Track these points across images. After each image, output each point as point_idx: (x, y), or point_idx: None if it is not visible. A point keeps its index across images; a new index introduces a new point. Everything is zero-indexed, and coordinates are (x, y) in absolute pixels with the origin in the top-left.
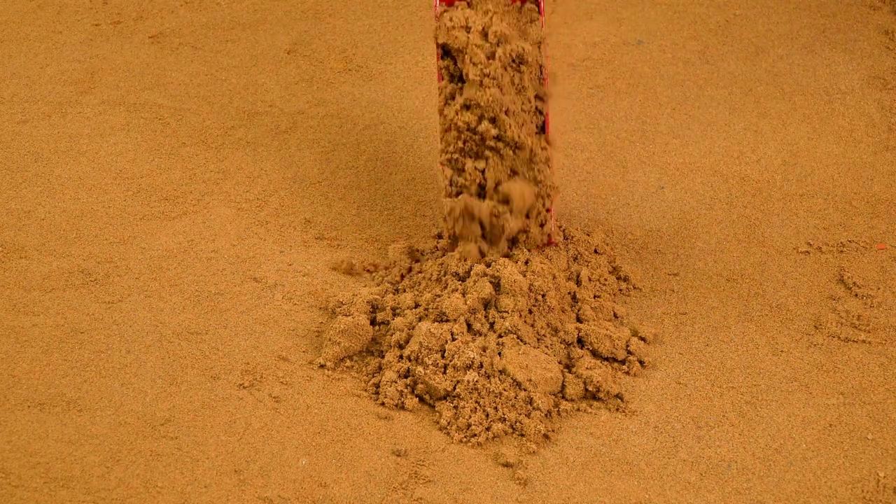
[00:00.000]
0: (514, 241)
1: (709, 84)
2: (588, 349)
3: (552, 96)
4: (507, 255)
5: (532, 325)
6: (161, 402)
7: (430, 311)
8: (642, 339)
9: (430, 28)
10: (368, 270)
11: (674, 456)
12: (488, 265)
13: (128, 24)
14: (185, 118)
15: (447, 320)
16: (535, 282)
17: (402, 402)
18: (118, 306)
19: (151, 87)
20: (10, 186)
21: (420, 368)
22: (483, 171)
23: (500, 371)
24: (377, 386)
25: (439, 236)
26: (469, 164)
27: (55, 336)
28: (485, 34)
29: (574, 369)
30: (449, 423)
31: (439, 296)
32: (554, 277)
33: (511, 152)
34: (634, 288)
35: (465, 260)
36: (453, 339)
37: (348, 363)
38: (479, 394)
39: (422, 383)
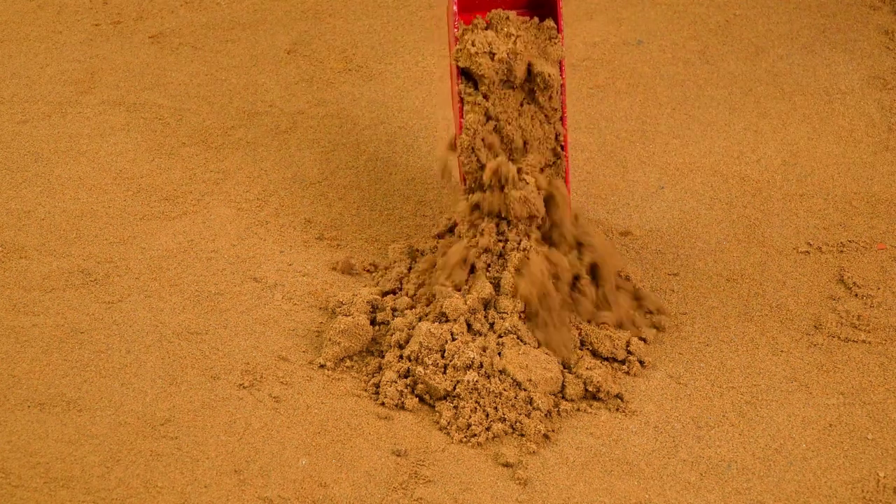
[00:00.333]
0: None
1: (709, 84)
2: (588, 349)
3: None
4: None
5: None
6: (161, 402)
7: (424, 296)
8: (642, 339)
9: (441, 35)
10: (368, 270)
11: (674, 456)
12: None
13: (128, 24)
14: (185, 118)
15: (447, 320)
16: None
17: (402, 402)
18: (118, 306)
19: (151, 87)
20: (10, 186)
21: (420, 368)
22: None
23: (500, 371)
24: (377, 386)
25: (439, 236)
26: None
27: (55, 336)
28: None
29: (574, 369)
30: (449, 423)
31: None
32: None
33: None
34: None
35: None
36: (453, 339)
37: (348, 363)
38: (479, 394)
39: (422, 383)
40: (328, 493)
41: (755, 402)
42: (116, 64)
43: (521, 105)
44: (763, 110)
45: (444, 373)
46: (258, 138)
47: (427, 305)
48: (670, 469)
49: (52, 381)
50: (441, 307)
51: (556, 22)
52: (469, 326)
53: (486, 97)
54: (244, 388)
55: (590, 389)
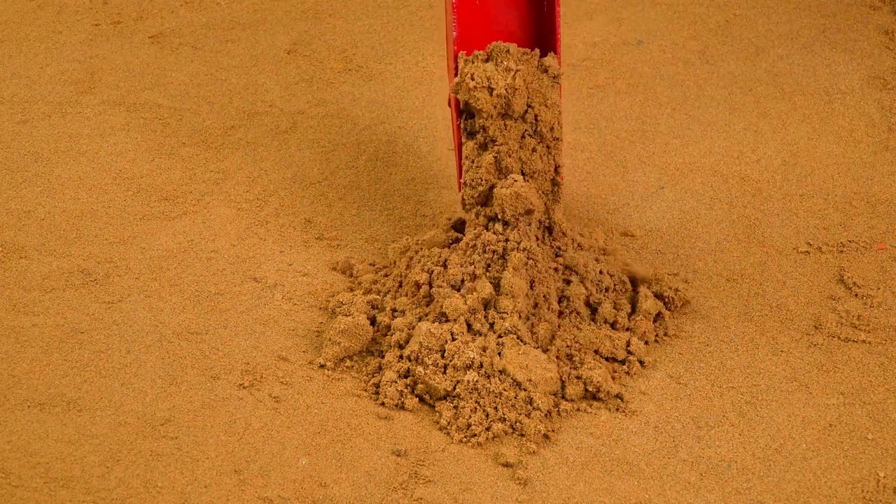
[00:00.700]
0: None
1: (709, 84)
2: (588, 349)
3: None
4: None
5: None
6: (161, 402)
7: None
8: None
9: (441, 34)
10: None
11: (674, 456)
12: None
13: (128, 24)
14: (185, 118)
15: (447, 320)
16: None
17: (402, 402)
18: (118, 306)
19: (151, 87)
20: (10, 186)
21: (420, 368)
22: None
23: (500, 371)
24: (377, 386)
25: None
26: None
27: (55, 336)
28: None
29: (574, 370)
30: (449, 423)
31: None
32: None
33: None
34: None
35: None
36: (453, 339)
37: (348, 363)
38: (479, 394)
39: (422, 383)
40: (328, 493)
41: (755, 402)
42: (116, 64)
43: (523, 137)
44: (763, 110)
45: (444, 373)
46: (258, 138)
47: (420, 299)
48: (670, 469)
49: (52, 381)
50: (441, 307)
51: (556, 53)
52: (469, 326)
53: (484, 129)
54: (244, 388)
55: (590, 389)
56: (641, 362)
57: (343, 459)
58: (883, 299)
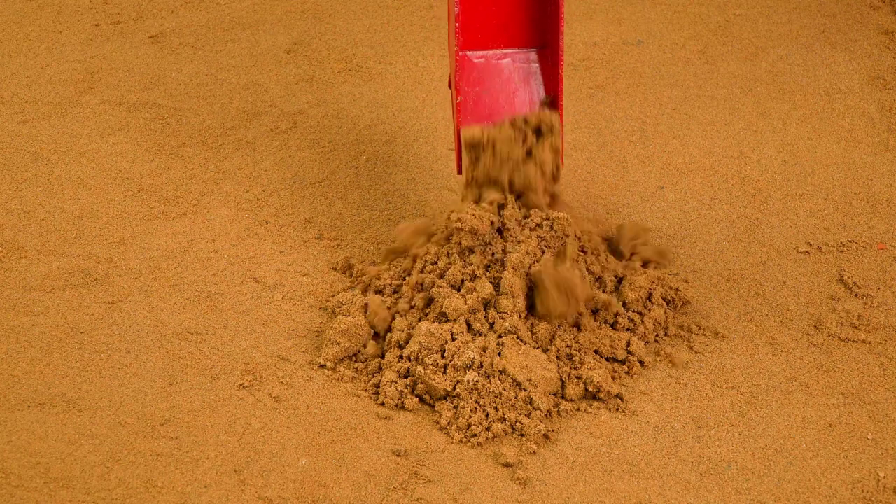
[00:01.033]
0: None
1: (709, 84)
2: (588, 349)
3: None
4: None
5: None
6: (161, 402)
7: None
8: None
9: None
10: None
11: (674, 456)
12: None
13: (128, 24)
14: (185, 118)
15: (447, 320)
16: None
17: (402, 402)
18: (118, 306)
19: (151, 87)
20: (10, 186)
21: (420, 368)
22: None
23: (499, 371)
24: (377, 386)
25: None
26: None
27: (55, 336)
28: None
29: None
30: (449, 423)
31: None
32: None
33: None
34: None
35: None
36: (453, 339)
37: (348, 363)
38: (479, 394)
39: (422, 383)
40: (328, 493)
41: (755, 402)
42: (116, 64)
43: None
44: (763, 110)
45: (444, 373)
46: (258, 138)
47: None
48: (670, 469)
49: (52, 381)
50: (441, 307)
51: (558, 108)
52: (469, 326)
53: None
54: (244, 388)
55: (590, 389)
56: (641, 362)
57: (343, 459)
58: (883, 299)
